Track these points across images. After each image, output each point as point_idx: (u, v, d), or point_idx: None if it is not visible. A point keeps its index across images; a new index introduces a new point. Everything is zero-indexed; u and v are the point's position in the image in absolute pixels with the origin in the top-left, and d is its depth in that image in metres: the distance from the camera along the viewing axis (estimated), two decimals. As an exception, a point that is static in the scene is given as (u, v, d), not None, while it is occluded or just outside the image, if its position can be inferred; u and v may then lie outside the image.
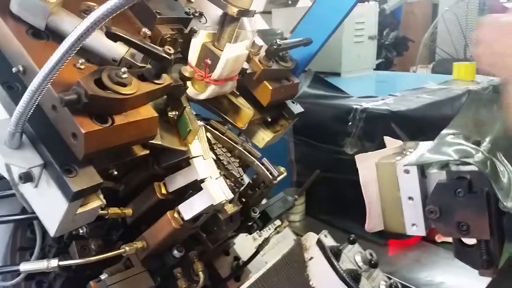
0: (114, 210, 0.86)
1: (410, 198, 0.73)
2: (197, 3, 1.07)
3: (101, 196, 0.76)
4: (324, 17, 1.27)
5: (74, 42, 0.59)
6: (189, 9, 1.02)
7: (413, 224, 0.74)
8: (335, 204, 2.00)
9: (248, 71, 1.01)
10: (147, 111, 0.75)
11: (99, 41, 0.76)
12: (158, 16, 0.89)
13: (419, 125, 1.77)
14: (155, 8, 0.90)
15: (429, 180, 0.72)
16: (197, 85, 0.93)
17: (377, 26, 3.50)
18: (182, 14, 0.96)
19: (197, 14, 1.04)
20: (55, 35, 0.76)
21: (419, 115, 1.81)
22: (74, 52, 0.60)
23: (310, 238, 1.05)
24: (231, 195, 0.89)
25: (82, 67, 0.73)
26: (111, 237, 0.95)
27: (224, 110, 1.03)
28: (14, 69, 0.70)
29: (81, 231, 0.87)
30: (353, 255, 1.18)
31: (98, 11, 0.58)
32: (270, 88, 1.07)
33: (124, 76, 0.69)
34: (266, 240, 1.22)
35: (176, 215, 0.87)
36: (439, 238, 1.89)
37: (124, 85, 0.69)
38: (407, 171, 0.72)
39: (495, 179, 0.66)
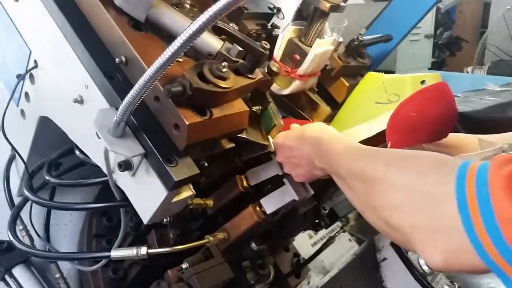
0: (197, 201, 0.88)
1: None
2: (279, -2, 1.09)
3: (191, 187, 0.78)
4: (401, 15, 1.25)
5: (188, 39, 0.60)
6: (270, 4, 1.03)
7: None
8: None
9: (327, 68, 1.01)
10: (240, 105, 0.77)
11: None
12: (245, 11, 0.90)
13: (485, 127, 1.72)
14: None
15: None
16: (279, 81, 0.94)
17: (433, 25, 3.43)
18: (266, 9, 0.97)
19: (275, 11, 1.04)
20: (153, 27, 0.78)
21: (485, 116, 1.76)
22: (187, 48, 0.61)
23: (384, 239, 1.04)
24: (311, 192, 0.89)
25: (181, 60, 0.75)
26: (189, 227, 0.97)
27: (301, 107, 1.03)
28: (117, 60, 0.73)
29: (165, 220, 0.89)
30: (417, 258, 1.17)
31: (212, 9, 0.59)
32: (347, 84, 1.07)
33: (224, 70, 0.70)
34: (332, 238, 1.21)
35: (258, 208, 0.88)
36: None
37: (223, 79, 0.70)
38: None
39: None
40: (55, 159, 0.99)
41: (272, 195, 0.87)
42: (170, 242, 0.97)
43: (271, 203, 0.86)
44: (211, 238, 0.86)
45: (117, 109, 0.66)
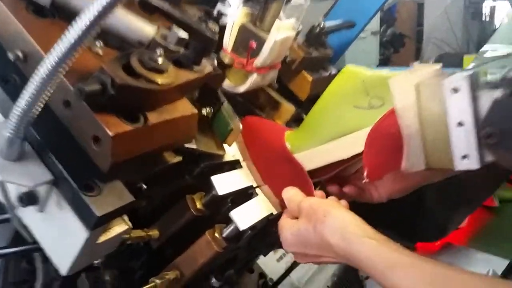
0: (137, 233, 0.68)
1: (459, 124, 0.56)
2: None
3: (126, 218, 0.59)
4: (361, 1, 1.12)
5: (97, 16, 0.42)
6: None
7: (464, 156, 0.56)
8: (357, 208, 1.84)
9: (287, 60, 0.85)
10: (185, 107, 0.58)
11: (121, 20, 0.59)
12: (185, -5, 0.72)
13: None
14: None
15: (481, 102, 0.54)
16: (233, 76, 0.77)
17: (379, 21, 3.39)
18: None
19: (220, -3, 0.87)
20: (62, 13, 0.58)
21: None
22: (95, 30, 0.43)
23: None
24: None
25: (101, 52, 0.56)
26: (130, 266, 0.77)
27: (260, 106, 0.86)
28: (11, 56, 0.53)
29: (95, 262, 0.69)
30: None
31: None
32: (310, 79, 0.91)
33: (160, 60, 0.52)
34: None
35: (217, 234, 0.70)
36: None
37: (160, 72, 0.52)
38: (456, 89, 0.55)
39: None
40: None
41: (245, 207, 0.69)
42: (107, 287, 0.76)
43: (244, 217, 0.68)
44: (158, 281, 0.66)
45: (14, 121, 0.47)
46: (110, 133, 0.47)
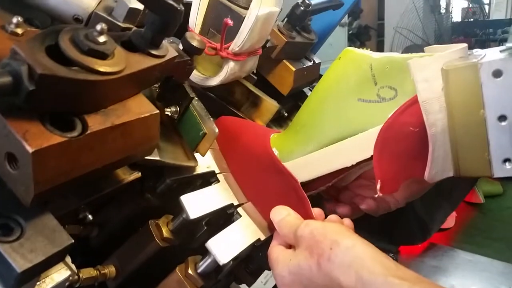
0: (88, 273, 0.52)
1: (502, 117, 0.44)
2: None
3: (69, 260, 0.43)
4: None
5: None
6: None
7: (506, 160, 0.45)
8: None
9: (267, 45, 0.70)
10: (142, 105, 0.42)
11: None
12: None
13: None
14: None
15: None
16: (202, 66, 0.61)
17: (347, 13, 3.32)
18: None
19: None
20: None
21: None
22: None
23: None
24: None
25: (20, 31, 0.40)
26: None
27: (237, 104, 0.71)
28: None
29: None
30: None
31: None
32: (293, 69, 0.77)
33: (102, 39, 0.36)
34: None
35: (191, 270, 0.54)
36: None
37: (102, 56, 0.36)
38: (498, 73, 0.43)
39: None
40: None
41: (224, 234, 0.54)
42: None
43: (225, 248, 0.53)
44: None
45: None
46: (30, 149, 0.31)
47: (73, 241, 0.37)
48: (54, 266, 0.41)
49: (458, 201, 1.47)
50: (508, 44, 0.48)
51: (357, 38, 4.08)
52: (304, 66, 0.82)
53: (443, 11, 4.74)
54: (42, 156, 0.32)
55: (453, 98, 0.46)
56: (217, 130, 0.53)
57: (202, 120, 0.54)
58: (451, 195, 1.44)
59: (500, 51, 0.47)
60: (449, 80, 0.46)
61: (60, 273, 0.42)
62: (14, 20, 0.40)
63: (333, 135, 0.55)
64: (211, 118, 0.55)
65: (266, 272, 1.38)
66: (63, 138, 0.34)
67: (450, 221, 2.23)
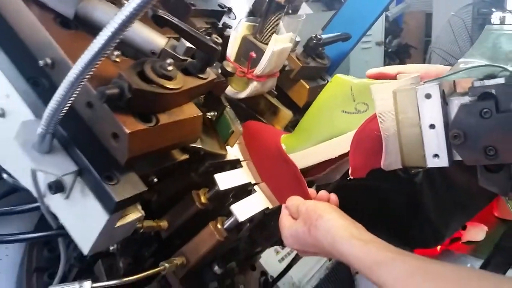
0: (148, 223, 0.76)
1: (431, 126, 0.63)
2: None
3: (140, 207, 0.67)
4: (358, 13, 1.19)
5: (117, 29, 0.50)
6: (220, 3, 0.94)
7: (435, 155, 0.64)
8: (354, 213, 1.89)
9: (286, 69, 0.93)
10: (191, 110, 0.67)
11: (136, 32, 0.68)
12: (193, 8, 0.81)
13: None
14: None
15: (451, 107, 0.62)
16: (235, 83, 0.85)
17: (383, 32, 3.47)
18: (216, 7, 0.88)
19: (226, 9, 0.96)
20: (84, 24, 0.67)
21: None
22: (117, 40, 0.51)
23: None
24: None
25: (118, 60, 0.65)
26: (142, 253, 0.85)
27: (260, 111, 0.94)
28: (41, 62, 0.61)
29: (111, 248, 0.77)
30: None
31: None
32: (308, 87, 0.99)
33: (170, 68, 0.60)
34: None
35: (219, 225, 0.77)
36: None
37: (169, 78, 0.60)
38: (428, 96, 0.63)
39: None
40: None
41: (245, 201, 0.77)
42: (120, 272, 0.84)
43: (243, 210, 0.75)
44: (167, 264, 0.74)
45: (44, 120, 0.55)
46: (127, 131, 0.56)
47: (147, 188, 0.61)
48: (131, 208, 0.65)
49: (474, 212, 1.58)
50: (444, 74, 0.67)
51: (397, 56, 4.20)
52: (318, 84, 1.04)
53: (497, 27, 4.65)
54: (133, 135, 0.56)
55: (400, 112, 0.67)
56: (241, 130, 0.76)
57: (232, 122, 0.77)
58: (467, 206, 1.55)
59: (437, 80, 0.68)
60: (397, 100, 0.67)
61: (134, 214, 0.66)
62: (116, 53, 0.65)
63: (324, 135, 0.77)
64: (239, 121, 0.79)
65: (281, 252, 1.59)
66: (145, 126, 0.58)
67: (480, 235, 2.26)
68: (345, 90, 0.77)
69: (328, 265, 1.03)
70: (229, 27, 0.90)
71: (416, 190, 1.73)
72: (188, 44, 0.66)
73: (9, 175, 0.73)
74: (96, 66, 0.51)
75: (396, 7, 4.17)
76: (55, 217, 0.66)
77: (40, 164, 0.57)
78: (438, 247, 1.94)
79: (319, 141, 0.77)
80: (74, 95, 0.53)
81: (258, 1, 0.93)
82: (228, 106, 0.79)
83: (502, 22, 4.56)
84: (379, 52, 3.28)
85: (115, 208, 0.58)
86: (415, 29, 5.29)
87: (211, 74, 0.68)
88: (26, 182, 0.65)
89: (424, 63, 4.32)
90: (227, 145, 0.79)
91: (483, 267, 1.56)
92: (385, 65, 3.94)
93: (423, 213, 1.74)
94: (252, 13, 0.93)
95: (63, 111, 0.55)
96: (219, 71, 0.75)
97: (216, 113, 0.78)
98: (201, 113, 0.67)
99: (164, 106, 0.62)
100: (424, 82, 0.68)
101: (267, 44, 0.80)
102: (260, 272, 1.29)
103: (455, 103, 0.62)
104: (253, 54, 0.77)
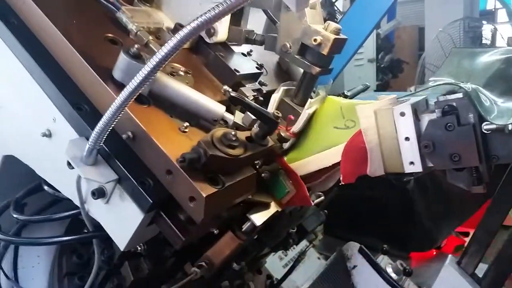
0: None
1: (406, 138, 0.78)
2: (255, 53, 1.14)
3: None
4: (349, 32, 1.26)
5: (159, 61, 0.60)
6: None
7: (411, 163, 0.79)
8: (353, 221, 2.01)
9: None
10: (249, 171, 0.78)
11: (197, 103, 0.79)
12: (237, 74, 0.94)
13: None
14: (232, 65, 0.96)
15: (422, 122, 0.78)
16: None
17: (375, 49, 3.61)
18: (255, 69, 1.02)
19: (263, 71, 1.09)
20: (156, 100, 0.77)
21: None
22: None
23: (351, 247, 1.10)
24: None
25: (187, 130, 0.76)
26: (164, 253, 0.95)
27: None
28: (124, 136, 0.71)
29: (139, 249, 0.85)
30: (384, 266, 1.24)
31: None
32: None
33: (233, 138, 0.72)
34: (303, 254, 1.26)
35: (237, 230, 0.87)
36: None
37: (233, 147, 0.72)
38: (402, 114, 0.78)
39: (479, 102, 0.74)
40: (22, 197, 0.96)
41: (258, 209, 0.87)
42: (145, 272, 0.95)
43: (258, 216, 0.86)
44: (197, 270, 0.84)
45: (87, 139, 0.68)
46: (204, 194, 0.66)
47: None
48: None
49: (466, 217, 1.69)
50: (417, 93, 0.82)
51: (390, 71, 4.33)
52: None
53: (486, 41, 4.45)
54: (209, 198, 0.66)
55: (380, 127, 0.79)
56: (294, 189, 0.88)
57: (286, 183, 0.89)
58: (459, 212, 1.67)
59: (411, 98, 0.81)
60: (377, 117, 0.80)
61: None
62: (185, 124, 0.76)
63: (319, 147, 0.90)
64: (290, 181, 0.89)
65: (285, 257, 1.70)
66: (216, 189, 0.69)
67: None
68: (336, 109, 0.91)
69: (326, 262, 1.13)
70: (265, 85, 1.05)
71: (408, 197, 1.87)
72: (253, 117, 0.78)
73: (51, 187, 0.85)
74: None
75: (387, 24, 4.31)
76: (91, 221, 0.78)
77: (87, 173, 0.69)
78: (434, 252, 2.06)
79: (315, 152, 0.90)
80: (118, 118, 0.64)
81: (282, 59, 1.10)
82: (281, 168, 0.90)
83: (494, 34, 4.51)
84: (371, 69, 3.42)
85: (150, 208, 0.70)
86: (408, 43, 5.36)
87: (270, 141, 0.80)
88: (68, 192, 0.78)
89: (416, 77, 4.44)
90: (280, 201, 0.90)
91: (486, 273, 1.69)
92: (378, 80, 4.09)
93: (416, 219, 1.86)
94: (279, 66, 1.14)
95: (109, 130, 0.66)
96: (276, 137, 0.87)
97: (268, 173, 0.88)
98: (255, 171, 0.79)
99: (230, 170, 0.73)
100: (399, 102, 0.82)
101: (301, 106, 0.93)
102: (266, 276, 1.42)
103: (426, 119, 0.78)
104: (292, 117, 0.90)
